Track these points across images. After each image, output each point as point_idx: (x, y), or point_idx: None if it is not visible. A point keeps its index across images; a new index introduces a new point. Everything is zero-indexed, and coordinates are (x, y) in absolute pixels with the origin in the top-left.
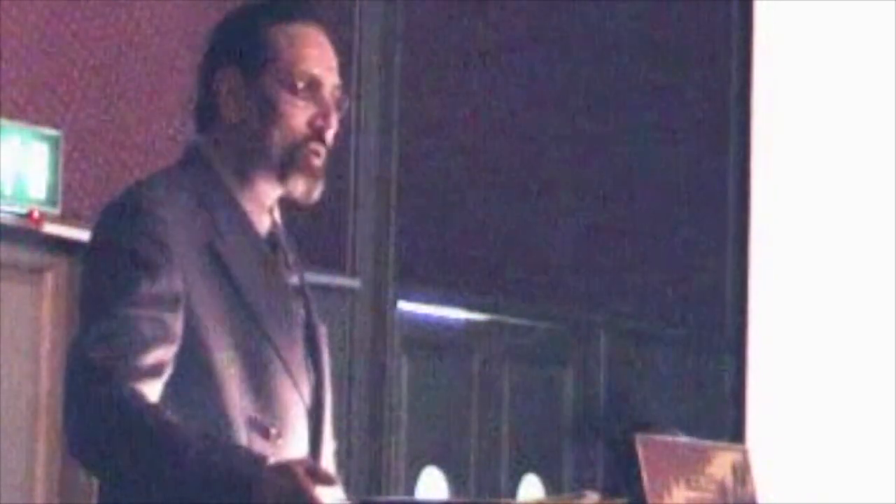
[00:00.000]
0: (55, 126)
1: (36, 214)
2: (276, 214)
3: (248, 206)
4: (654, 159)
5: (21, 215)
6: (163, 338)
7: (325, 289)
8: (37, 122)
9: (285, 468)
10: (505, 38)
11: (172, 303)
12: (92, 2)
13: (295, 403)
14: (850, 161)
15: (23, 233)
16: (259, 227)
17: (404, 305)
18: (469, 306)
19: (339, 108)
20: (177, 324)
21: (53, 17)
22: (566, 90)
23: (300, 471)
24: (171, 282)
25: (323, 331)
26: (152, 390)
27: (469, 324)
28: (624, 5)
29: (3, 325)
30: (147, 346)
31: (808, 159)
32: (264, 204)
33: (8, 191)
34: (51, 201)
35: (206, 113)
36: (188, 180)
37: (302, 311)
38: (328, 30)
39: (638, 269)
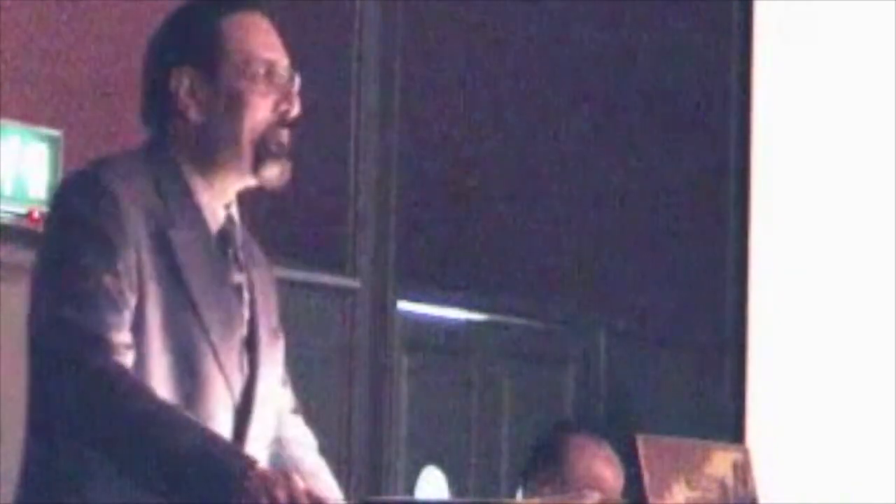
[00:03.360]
0: (55, 126)
1: (36, 214)
2: (234, 210)
3: (203, 199)
4: (653, 159)
5: (21, 215)
6: (128, 312)
7: (326, 289)
8: (37, 122)
9: (278, 476)
10: (506, 38)
11: (130, 280)
12: (92, 2)
13: (222, 401)
14: (850, 162)
15: (23, 233)
16: (212, 223)
17: (404, 305)
18: (469, 306)
19: (294, 87)
20: (133, 300)
21: (53, 17)
22: (568, 91)
23: (293, 482)
24: (128, 260)
25: (277, 336)
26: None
27: (469, 324)
28: (624, 6)
29: (2, 325)
30: (123, 319)
31: (809, 160)
32: (222, 198)
33: (8, 191)
34: None
35: (160, 112)
36: (148, 167)
37: (246, 312)
38: (268, 15)
39: (638, 269)
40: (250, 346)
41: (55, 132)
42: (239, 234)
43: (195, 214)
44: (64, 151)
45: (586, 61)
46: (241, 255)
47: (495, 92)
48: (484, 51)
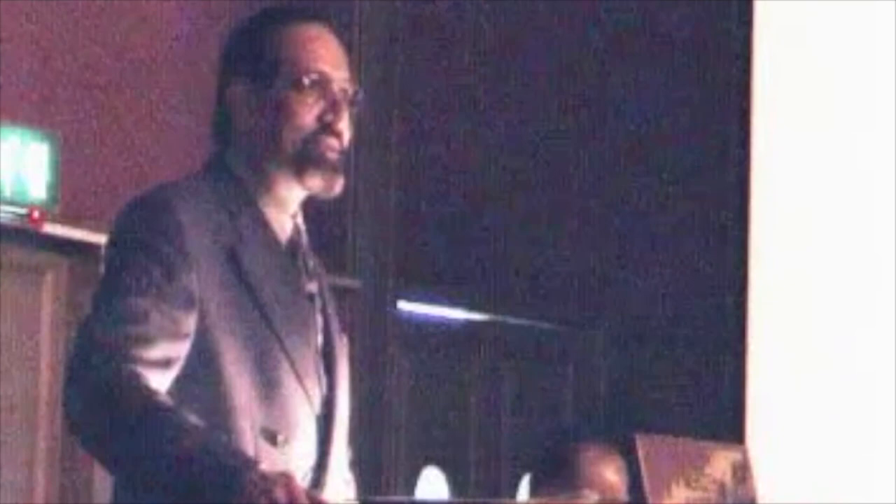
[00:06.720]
0: (55, 126)
1: (36, 214)
2: (300, 220)
3: (270, 212)
4: (653, 159)
5: (21, 215)
6: (172, 332)
7: None
8: (37, 123)
9: (278, 477)
10: (505, 39)
11: (185, 302)
12: (92, 3)
13: (304, 411)
14: (850, 160)
15: (23, 233)
16: (280, 233)
17: (404, 305)
18: (469, 306)
19: (352, 102)
20: (188, 322)
21: (53, 17)
22: (567, 91)
23: (293, 483)
24: (186, 282)
25: (342, 341)
26: (159, 383)
27: (469, 324)
28: (624, 5)
29: (3, 325)
30: (156, 337)
31: (809, 159)
32: (286, 208)
33: (8, 191)
34: (51, 201)
35: (222, 125)
36: (211, 186)
37: (320, 319)
38: (333, 28)
39: (638, 268)
40: (326, 354)
41: (55, 132)
42: (305, 242)
43: (262, 227)
44: (64, 151)
45: (587, 63)
46: (310, 264)
47: (495, 92)
48: (483, 51)
